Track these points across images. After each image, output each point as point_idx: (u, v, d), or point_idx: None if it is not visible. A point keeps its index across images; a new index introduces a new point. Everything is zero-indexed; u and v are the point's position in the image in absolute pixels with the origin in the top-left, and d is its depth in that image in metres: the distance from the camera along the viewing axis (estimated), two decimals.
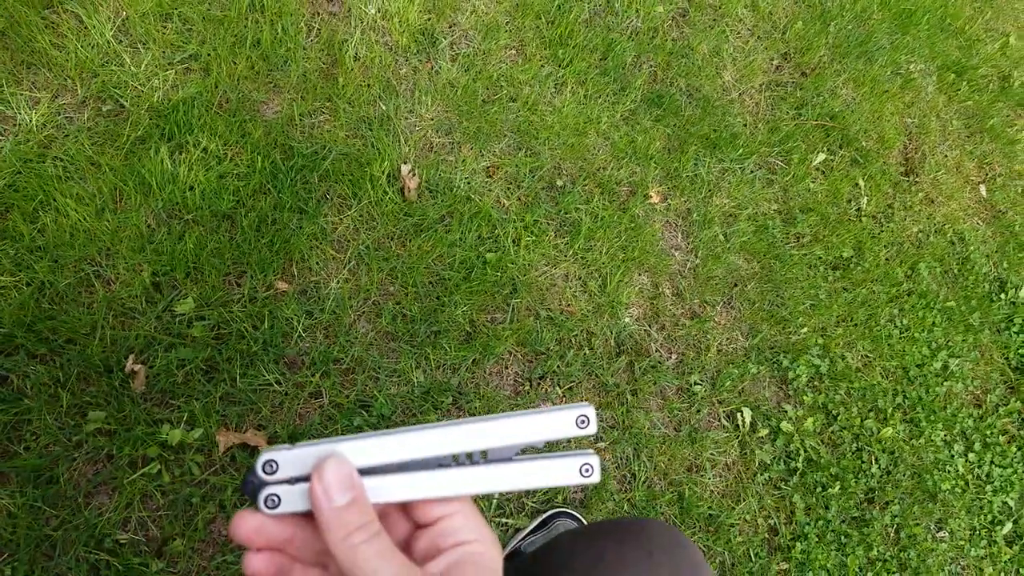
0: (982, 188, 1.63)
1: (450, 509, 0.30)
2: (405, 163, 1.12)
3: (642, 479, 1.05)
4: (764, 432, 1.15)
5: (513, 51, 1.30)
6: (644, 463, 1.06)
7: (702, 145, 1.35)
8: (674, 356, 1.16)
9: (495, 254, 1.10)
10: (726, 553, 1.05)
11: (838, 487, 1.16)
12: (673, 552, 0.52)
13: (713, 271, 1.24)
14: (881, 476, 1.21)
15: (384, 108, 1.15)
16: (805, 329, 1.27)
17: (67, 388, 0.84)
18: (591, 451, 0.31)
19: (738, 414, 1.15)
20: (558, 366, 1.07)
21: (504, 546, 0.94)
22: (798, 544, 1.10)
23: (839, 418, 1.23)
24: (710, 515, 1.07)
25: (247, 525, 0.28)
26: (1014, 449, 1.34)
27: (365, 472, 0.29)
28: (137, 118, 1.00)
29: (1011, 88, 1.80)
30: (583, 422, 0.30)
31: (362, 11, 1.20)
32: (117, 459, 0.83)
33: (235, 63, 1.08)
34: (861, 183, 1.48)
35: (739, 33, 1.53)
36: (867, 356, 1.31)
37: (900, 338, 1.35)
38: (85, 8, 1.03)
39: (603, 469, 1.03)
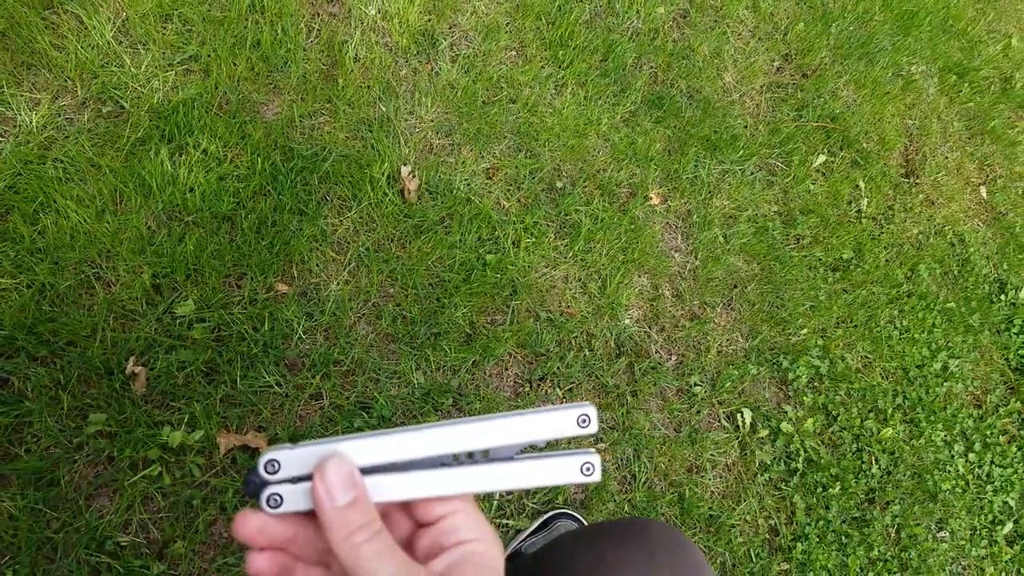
0: (983, 190, 1.63)
1: (451, 508, 0.30)
2: (405, 165, 1.12)
3: (642, 480, 1.05)
4: (764, 433, 1.16)
5: (513, 52, 1.30)
6: (644, 464, 1.06)
7: (702, 147, 1.35)
8: (674, 357, 1.16)
9: (495, 256, 1.10)
10: (727, 554, 1.06)
11: (838, 487, 1.16)
12: (674, 553, 0.52)
13: (713, 273, 1.24)
14: (881, 476, 1.21)
15: (384, 109, 1.15)
16: (805, 330, 1.27)
17: (68, 390, 0.84)
18: (592, 450, 0.31)
19: (738, 415, 1.15)
20: (558, 367, 1.07)
21: (504, 547, 0.95)
22: (799, 544, 1.10)
23: (839, 419, 1.23)
24: (711, 516, 1.07)
25: (250, 524, 0.28)
26: (1014, 449, 1.34)
27: (367, 471, 0.29)
28: (137, 119, 1.00)
29: (1013, 90, 1.80)
30: (584, 421, 0.30)
31: (362, 12, 1.20)
32: (118, 461, 0.83)
33: (235, 64, 1.08)
34: (861, 185, 1.48)
35: (740, 34, 1.53)
36: (867, 357, 1.31)
37: (900, 339, 1.35)
38: (85, 9, 1.03)
39: (603, 470, 1.03)
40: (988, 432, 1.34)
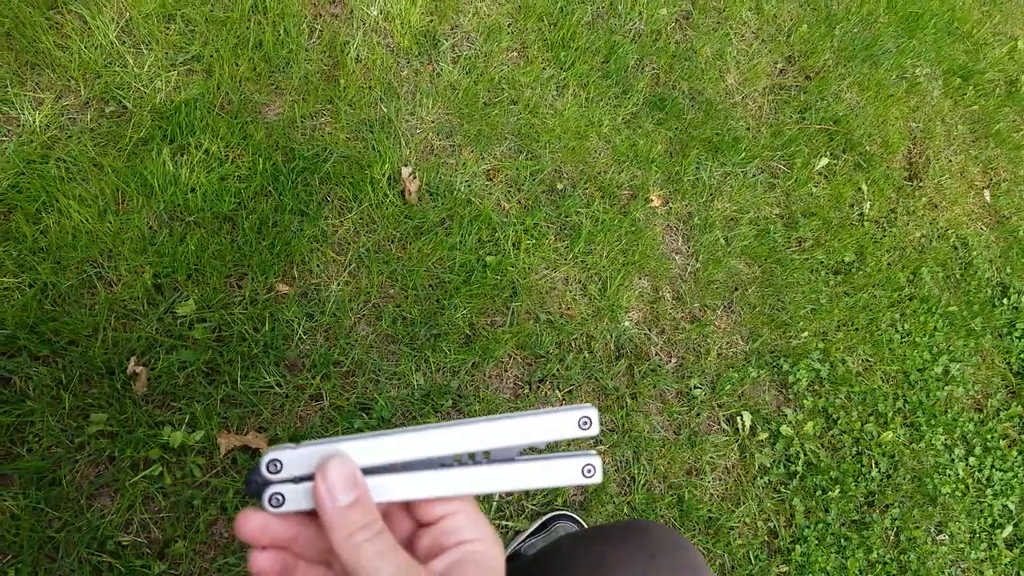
0: (986, 193, 1.62)
1: (452, 508, 0.30)
2: (406, 166, 1.12)
3: (642, 482, 1.05)
4: (764, 436, 1.16)
5: (515, 53, 1.30)
6: (644, 466, 1.06)
7: (704, 149, 1.35)
8: (674, 360, 1.16)
9: (495, 257, 1.10)
10: (726, 556, 1.06)
11: (838, 490, 1.16)
12: (674, 554, 0.52)
13: (714, 275, 1.24)
14: (881, 480, 1.21)
15: (385, 110, 1.15)
16: (806, 333, 1.27)
17: (69, 390, 0.84)
18: (593, 452, 0.31)
19: (738, 418, 1.15)
20: (558, 369, 1.07)
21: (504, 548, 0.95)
22: (798, 547, 1.10)
23: (839, 422, 1.23)
24: (710, 518, 1.07)
25: (252, 523, 0.29)
26: (1015, 453, 1.34)
27: (368, 471, 0.29)
28: (140, 119, 1.00)
29: (1018, 93, 1.79)
30: (585, 423, 0.30)
31: (364, 13, 1.20)
32: (119, 461, 0.83)
33: (237, 65, 1.08)
34: (864, 188, 1.48)
35: (743, 36, 1.52)
36: (868, 360, 1.31)
37: (901, 342, 1.35)
38: (89, 9, 1.03)
39: (603, 472, 1.03)
40: (989, 436, 1.34)
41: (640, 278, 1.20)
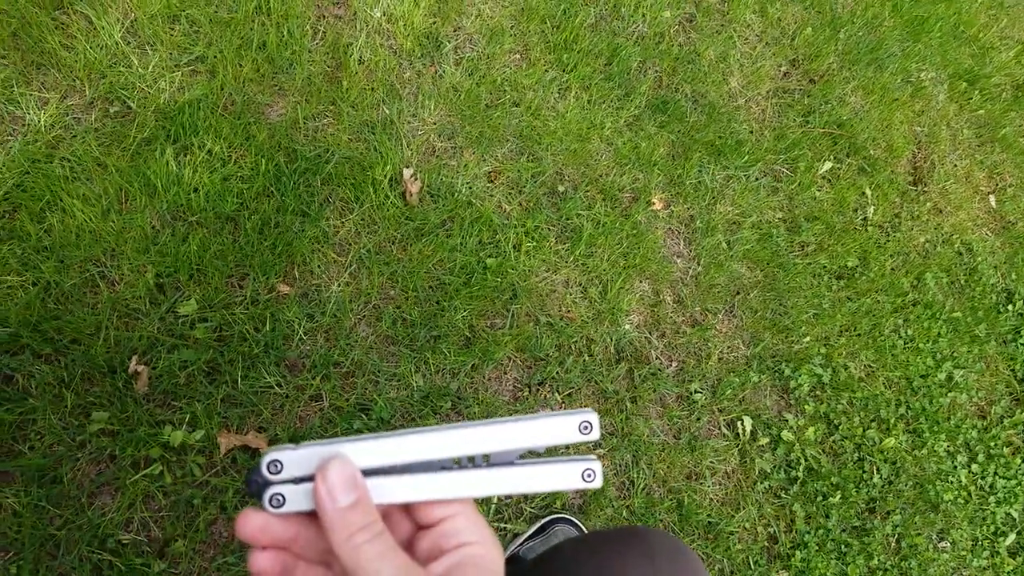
0: (992, 199, 1.61)
1: (452, 511, 0.30)
2: (407, 167, 1.12)
3: (641, 486, 1.05)
4: (764, 441, 1.15)
5: (517, 55, 1.30)
6: (643, 470, 1.06)
7: (706, 152, 1.34)
8: (674, 364, 1.16)
9: (496, 259, 1.10)
10: (725, 561, 1.05)
11: (839, 496, 1.15)
12: (675, 560, 0.52)
13: (715, 279, 1.24)
14: (883, 486, 1.20)
15: (387, 112, 1.15)
16: (808, 338, 1.26)
17: (71, 388, 0.85)
18: (593, 456, 0.31)
19: (738, 422, 1.15)
20: (557, 372, 1.07)
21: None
22: (798, 553, 1.10)
23: (841, 428, 1.22)
24: (709, 523, 1.07)
25: (252, 524, 0.29)
26: (1018, 461, 1.33)
27: (368, 473, 0.29)
28: (144, 119, 1.01)
29: None
30: (586, 428, 0.30)
31: (367, 14, 1.21)
32: (120, 459, 0.84)
33: (241, 65, 1.09)
34: (868, 192, 1.47)
35: (747, 39, 1.52)
36: (870, 366, 1.30)
37: (904, 348, 1.34)
38: (95, 9, 1.04)
39: (603, 476, 1.03)
40: (992, 443, 1.33)
41: (641, 281, 1.20)
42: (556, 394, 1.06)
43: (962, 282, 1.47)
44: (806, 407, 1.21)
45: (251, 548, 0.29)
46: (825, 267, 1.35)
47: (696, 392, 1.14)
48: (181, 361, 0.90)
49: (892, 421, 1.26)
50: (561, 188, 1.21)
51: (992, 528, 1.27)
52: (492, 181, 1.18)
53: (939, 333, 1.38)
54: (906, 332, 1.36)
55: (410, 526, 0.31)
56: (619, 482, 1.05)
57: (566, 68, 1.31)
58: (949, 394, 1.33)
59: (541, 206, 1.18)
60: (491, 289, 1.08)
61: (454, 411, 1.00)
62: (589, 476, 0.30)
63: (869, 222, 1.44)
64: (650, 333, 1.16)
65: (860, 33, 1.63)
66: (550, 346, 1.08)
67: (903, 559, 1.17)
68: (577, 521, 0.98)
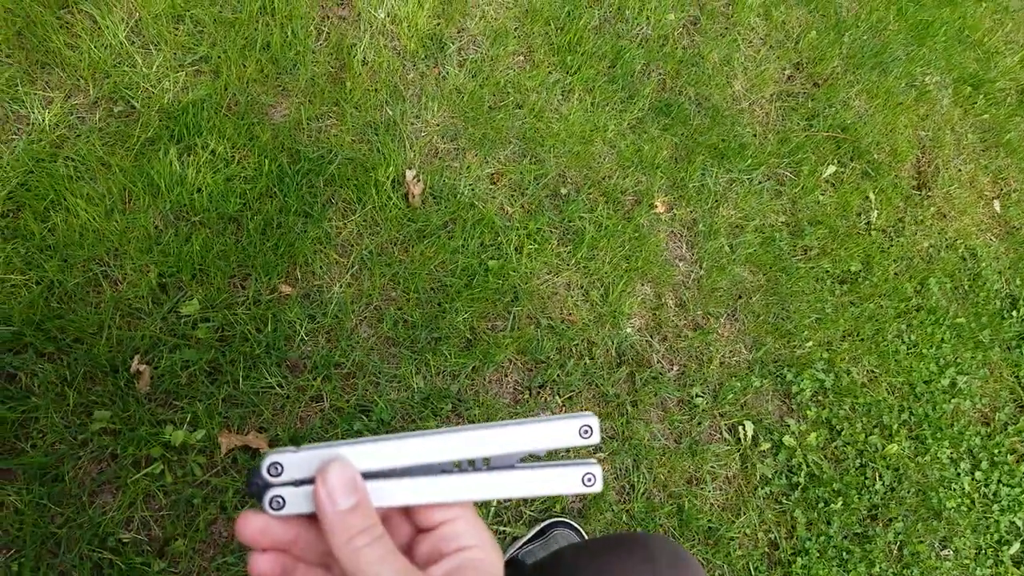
0: (996, 203, 1.60)
1: (452, 514, 0.30)
2: (410, 169, 1.12)
3: (641, 490, 1.05)
4: (766, 446, 1.15)
5: (521, 57, 1.30)
6: (643, 474, 1.06)
7: (710, 155, 1.34)
8: (676, 368, 1.16)
9: (497, 261, 1.10)
10: (725, 567, 1.05)
11: (840, 503, 1.15)
12: (676, 566, 0.52)
13: (718, 283, 1.23)
14: (885, 493, 1.20)
15: (391, 113, 1.15)
16: (810, 343, 1.26)
17: (74, 387, 0.85)
18: (594, 460, 0.31)
19: (740, 427, 1.14)
20: (558, 375, 1.07)
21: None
22: (799, 559, 1.09)
23: (843, 433, 1.21)
24: (710, 528, 1.06)
25: (252, 526, 0.29)
26: (1023, 468, 1.32)
27: (368, 476, 0.29)
28: (147, 119, 1.01)
29: None
30: (586, 432, 0.30)
31: (371, 15, 1.21)
32: (121, 458, 0.84)
33: (245, 66, 1.09)
34: (872, 196, 1.46)
35: (751, 42, 1.51)
36: (873, 371, 1.29)
37: (907, 354, 1.33)
38: (99, 9, 1.04)
39: (603, 480, 1.03)
40: (996, 451, 1.32)
41: (643, 284, 1.20)
42: (557, 397, 1.06)
43: (966, 287, 1.47)
44: (808, 412, 1.20)
45: (251, 550, 0.29)
46: (828, 271, 1.34)
47: (697, 396, 1.14)
48: (183, 361, 0.90)
49: (895, 427, 1.26)
50: (564, 190, 1.21)
51: (996, 536, 1.26)
52: (494, 183, 1.18)
53: (943, 339, 1.37)
54: (909, 337, 1.35)
55: (410, 529, 0.31)
56: (619, 486, 1.05)
57: (570, 70, 1.31)
58: (952, 400, 1.32)
59: (543, 208, 1.18)
60: (492, 291, 1.08)
61: (454, 413, 1.00)
62: (589, 480, 0.30)
63: (872, 226, 1.44)
64: (651, 336, 1.16)
65: (864, 37, 1.63)
66: (551, 349, 1.08)
67: (905, 567, 1.16)
68: (577, 525, 0.97)
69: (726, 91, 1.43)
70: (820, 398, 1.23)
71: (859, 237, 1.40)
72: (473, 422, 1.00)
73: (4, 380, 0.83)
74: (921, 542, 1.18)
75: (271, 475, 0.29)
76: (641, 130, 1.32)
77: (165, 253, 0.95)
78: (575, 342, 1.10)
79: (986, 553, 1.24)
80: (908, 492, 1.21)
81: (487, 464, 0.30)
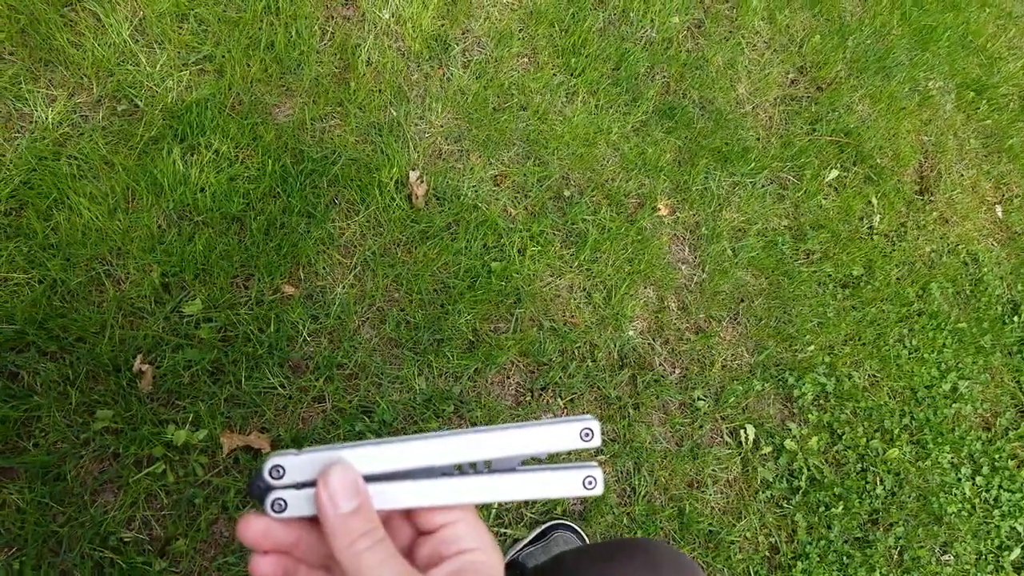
0: (998, 209, 1.60)
1: (453, 517, 0.30)
2: (413, 170, 1.12)
3: (642, 493, 1.05)
4: (767, 450, 1.15)
5: (525, 59, 1.30)
6: (644, 477, 1.06)
7: (713, 158, 1.34)
8: (678, 371, 1.16)
9: (500, 263, 1.10)
10: (726, 571, 1.05)
11: (841, 507, 1.15)
12: (678, 571, 0.52)
13: (720, 286, 1.23)
14: (886, 497, 1.20)
15: (395, 114, 1.15)
16: (812, 347, 1.26)
17: (76, 386, 0.85)
18: (595, 463, 0.31)
19: (741, 431, 1.14)
20: (560, 377, 1.07)
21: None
22: (799, 563, 1.09)
23: (844, 437, 1.21)
24: (710, 531, 1.06)
25: (254, 528, 0.29)
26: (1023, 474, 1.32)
27: (370, 479, 0.29)
28: (151, 118, 1.01)
29: None
30: (587, 435, 0.30)
31: (376, 16, 1.21)
32: (123, 458, 0.84)
33: (249, 65, 1.09)
34: (874, 201, 1.46)
35: (755, 46, 1.51)
36: (874, 376, 1.30)
37: (909, 358, 1.33)
38: (103, 7, 1.04)
39: (604, 483, 1.03)
40: (997, 456, 1.32)
41: (645, 287, 1.20)
42: (558, 399, 1.06)
43: (968, 293, 1.47)
44: (809, 416, 1.20)
45: (252, 552, 0.29)
46: (830, 275, 1.34)
47: (699, 399, 1.14)
48: (185, 361, 0.90)
49: (896, 432, 1.26)
50: (567, 193, 1.21)
51: (996, 542, 1.26)
52: (498, 185, 1.18)
53: (944, 344, 1.37)
54: (911, 342, 1.35)
55: (411, 532, 0.31)
56: (620, 489, 1.05)
57: (574, 72, 1.31)
58: (954, 405, 1.32)
59: (547, 211, 1.18)
60: (495, 293, 1.08)
61: (456, 415, 1.00)
62: (590, 483, 0.30)
63: (875, 231, 1.44)
64: (654, 339, 1.16)
65: (868, 41, 1.63)
66: (553, 351, 1.08)
67: (905, 572, 1.16)
68: (577, 527, 0.97)
69: (730, 94, 1.43)
70: (821, 402, 1.23)
71: (861, 241, 1.40)
72: (475, 424, 1.00)
73: (7, 379, 0.83)
74: (922, 547, 1.18)
75: (273, 478, 0.29)
76: (645, 133, 1.32)
77: (168, 253, 0.94)
78: (577, 344, 1.10)
79: (987, 558, 1.24)
80: (909, 497, 1.21)
81: (488, 467, 0.30)
